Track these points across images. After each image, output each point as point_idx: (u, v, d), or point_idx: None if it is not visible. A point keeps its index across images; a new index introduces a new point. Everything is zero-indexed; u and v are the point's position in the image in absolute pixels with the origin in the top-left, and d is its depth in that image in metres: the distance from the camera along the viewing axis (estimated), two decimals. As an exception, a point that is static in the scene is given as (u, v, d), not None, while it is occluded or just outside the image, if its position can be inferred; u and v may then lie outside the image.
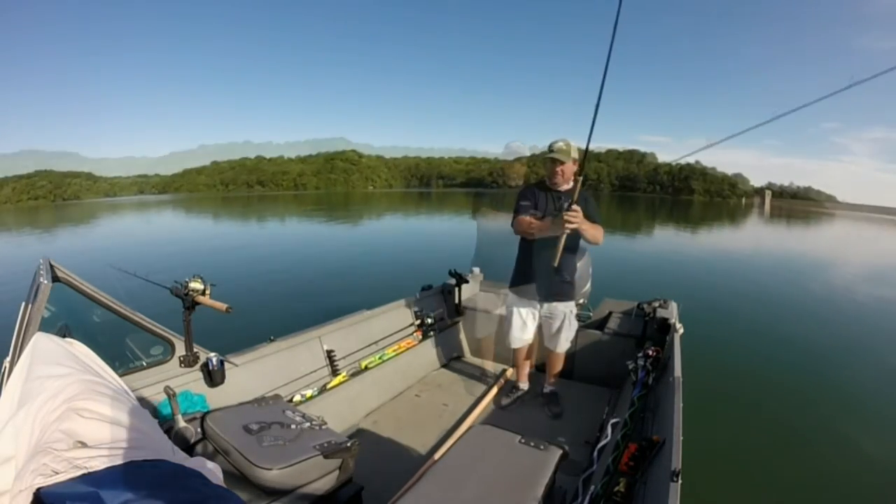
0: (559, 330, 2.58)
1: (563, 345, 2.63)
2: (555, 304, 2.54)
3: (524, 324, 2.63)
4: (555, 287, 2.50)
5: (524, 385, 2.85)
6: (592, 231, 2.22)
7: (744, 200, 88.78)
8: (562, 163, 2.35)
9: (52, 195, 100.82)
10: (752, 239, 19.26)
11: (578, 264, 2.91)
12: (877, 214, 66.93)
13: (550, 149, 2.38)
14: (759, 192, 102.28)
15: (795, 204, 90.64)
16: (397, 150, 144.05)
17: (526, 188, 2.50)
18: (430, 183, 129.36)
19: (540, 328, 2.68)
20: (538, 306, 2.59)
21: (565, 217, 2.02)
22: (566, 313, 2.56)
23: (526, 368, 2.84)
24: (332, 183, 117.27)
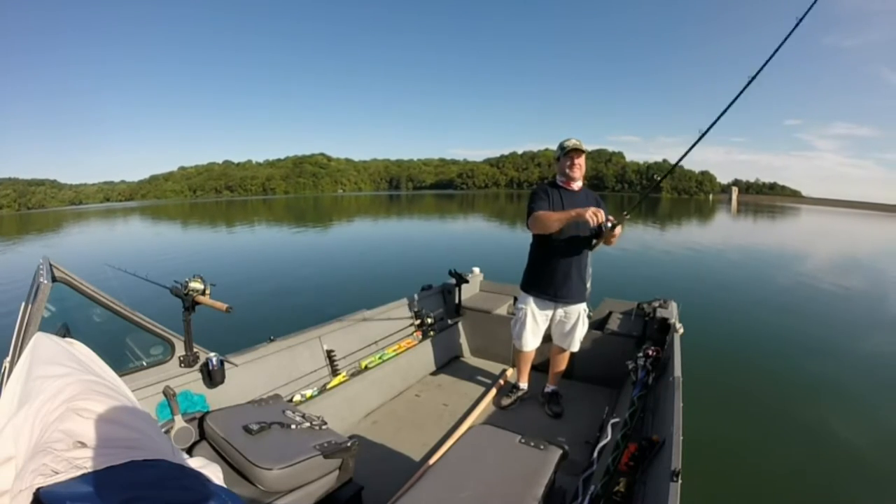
0: (573, 329, 2.59)
1: (576, 344, 2.64)
2: (572, 305, 2.54)
3: (537, 326, 2.62)
4: (574, 288, 2.49)
5: (524, 385, 2.84)
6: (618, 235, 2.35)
7: (711, 197, 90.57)
8: (583, 153, 2.39)
9: (17, 204, 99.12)
10: (738, 236, 19.59)
11: None
12: (842, 208, 68.31)
13: (563, 146, 2.41)
14: (727, 188, 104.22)
15: (761, 199, 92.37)
16: (378, 163, 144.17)
17: (539, 187, 2.51)
18: (399, 185, 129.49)
19: (548, 329, 2.68)
20: (554, 308, 2.58)
21: (615, 234, 2.24)
22: (580, 313, 2.57)
23: (527, 369, 2.84)
24: (301, 187, 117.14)
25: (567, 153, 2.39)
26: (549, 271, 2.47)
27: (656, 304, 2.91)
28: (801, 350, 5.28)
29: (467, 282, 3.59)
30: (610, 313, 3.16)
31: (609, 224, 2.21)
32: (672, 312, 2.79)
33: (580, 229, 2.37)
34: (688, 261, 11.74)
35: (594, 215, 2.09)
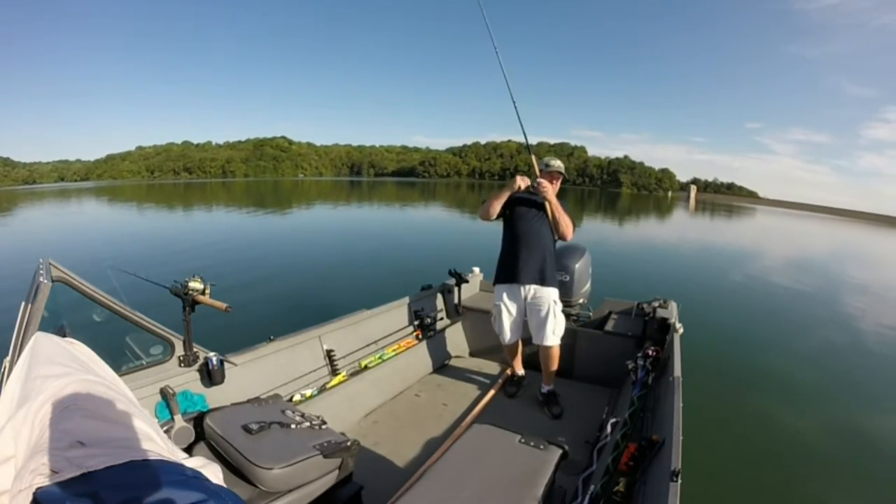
0: (544, 320, 2.56)
1: (550, 337, 2.57)
2: (538, 287, 2.59)
3: (512, 317, 2.69)
4: (537, 268, 2.58)
5: (521, 372, 2.95)
6: (561, 213, 2.59)
7: (670, 194, 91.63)
8: (562, 175, 2.70)
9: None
10: (704, 235, 19.92)
11: (577, 265, 2.95)
12: (797, 210, 70.73)
13: (548, 164, 2.68)
14: (685, 186, 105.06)
15: (719, 198, 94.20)
16: (339, 148, 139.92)
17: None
18: (360, 172, 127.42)
19: (526, 324, 2.72)
20: (521, 293, 2.63)
21: (540, 183, 2.52)
22: (550, 304, 2.56)
23: (519, 360, 2.93)
24: (261, 170, 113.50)
25: (549, 173, 2.66)
26: (511, 256, 2.65)
27: (656, 303, 2.91)
28: (802, 349, 5.28)
29: (467, 282, 3.59)
30: (610, 313, 3.16)
31: (535, 185, 2.57)
32: (672, 312, 2.79)
33: (531, 215, 2.66)
34: (684, 260, 11.74)
35: (522, 180, 2.57)
